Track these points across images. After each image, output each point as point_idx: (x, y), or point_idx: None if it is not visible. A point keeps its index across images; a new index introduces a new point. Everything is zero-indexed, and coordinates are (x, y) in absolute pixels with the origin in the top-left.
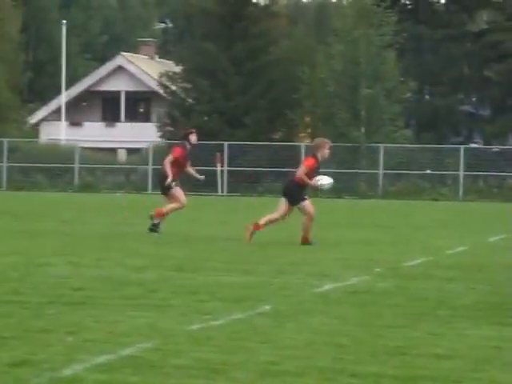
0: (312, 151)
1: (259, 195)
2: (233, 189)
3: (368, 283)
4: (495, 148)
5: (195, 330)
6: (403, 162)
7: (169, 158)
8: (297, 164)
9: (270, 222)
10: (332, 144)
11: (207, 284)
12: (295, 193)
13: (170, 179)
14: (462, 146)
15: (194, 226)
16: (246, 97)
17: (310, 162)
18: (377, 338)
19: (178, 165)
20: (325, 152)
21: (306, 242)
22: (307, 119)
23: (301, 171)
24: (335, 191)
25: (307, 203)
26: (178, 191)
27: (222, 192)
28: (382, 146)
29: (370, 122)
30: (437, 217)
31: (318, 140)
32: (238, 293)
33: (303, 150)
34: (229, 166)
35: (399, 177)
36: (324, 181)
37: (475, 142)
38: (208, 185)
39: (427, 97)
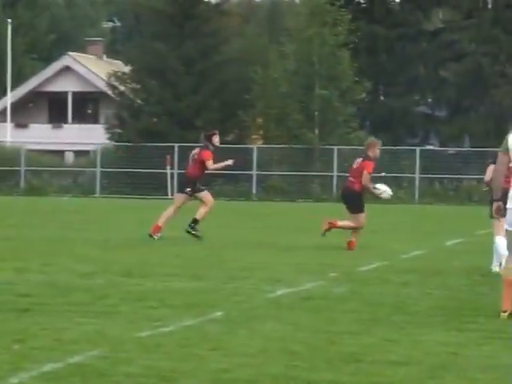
0: (365, 153)
1: None
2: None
3: (322, 288)
4: (451, 150)
5: (145, 337)
6: None
7: (208, 163)
8: (249, 167)
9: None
10: (286, 146)
11: (157, 290)
12: (357, 201)
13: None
14: (418, 148)
15: (143, 229)
16: (196, 97)
17: (371, 165)
18: (331, 344)
19: (204, 167)
20: (376, 152)
21: (352, 247)
22: (259, 120)
23: (366, 179)
24: (288, 194)
25: (364, 216)
26: (205, 193)
27: (172, 195)
28: (335, 148)
29: (324, 124)
30: (392, 220)
31: (369, 140)
32: (189, 299)
33: (255, 152)
34: (179, 169)
35: None
36: (385, 194)
37: (431, 144)
38: (158, 188)
39: (382, 97)
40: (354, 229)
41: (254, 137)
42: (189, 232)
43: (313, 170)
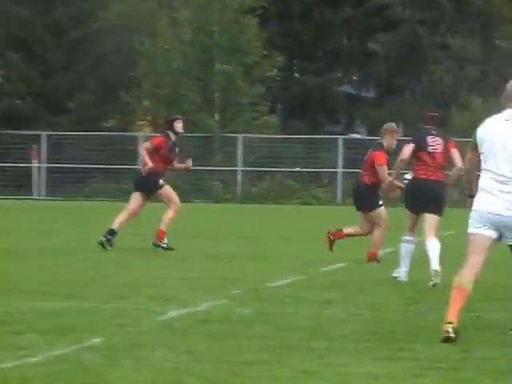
0: (378, 142)
1: (86, 198)
2: (52, 191)
3: (224, 309)
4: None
5: (7, 368)
6: (267, 156)
7: (145, 145)
8: (133, 160)
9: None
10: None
11: (22, 311)
12: (369, 194)
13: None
14: (341, 137)
15: (3, 238)
16: (69, 75)
17: (382, 156)
18: (234, 377)
19: (162, 159)
20: (393, 142)
21: (374, 258)
22: (147, 103)
23: (382, 172)
24: (182, 193)
25: (383, 210)
26: (168, 190)
27: (39, 195)
28: (240, 136)
29: (226, 107)
30: (310, 225)
31: (386, 126)
32: (62, 322)
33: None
34: (48, 163)
35: (262, 175)
36: None
37: (357, 132)
38: (21, 186)
39: (297, 75)
40: (361, 235)
41: (139, 123)
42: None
43: (212, 164)
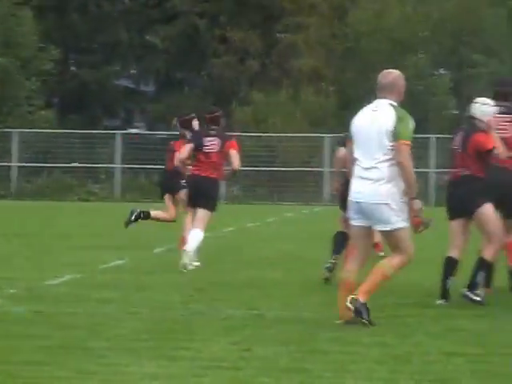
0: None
1: None
2: None
3: None
4: (162, 134)
5: None
6: (44, 152)
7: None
8: None
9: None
10: None
11: None
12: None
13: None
14: (119, 132)
15: None
16: None
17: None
18: (10, 378)
19: None
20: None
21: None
22: None
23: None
24: None
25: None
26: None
27: None
28: (15, 131)
29: (3, 101)
30: (87, 222)
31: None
32: None
33: None
34: None
35: (38, 171)
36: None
37: (136, 127)
38: None
39: (73, 68)
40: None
41: None
42: None
43: None
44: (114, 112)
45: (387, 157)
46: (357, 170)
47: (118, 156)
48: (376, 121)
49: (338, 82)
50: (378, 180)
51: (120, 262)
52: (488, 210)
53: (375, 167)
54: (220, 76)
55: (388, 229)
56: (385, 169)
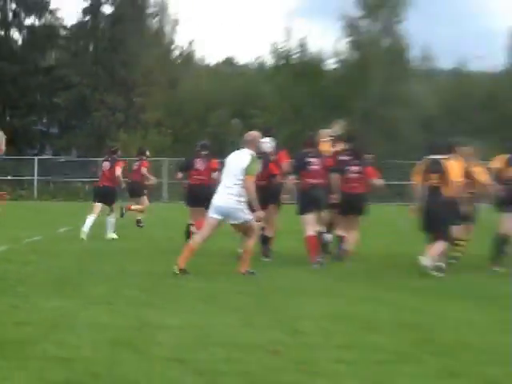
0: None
1: None
2: None
3: None
4: (62, 158)
5: None
6: None
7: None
8: None
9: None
10: None
11: None
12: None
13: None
14: (36, 157)
15: None
16: None
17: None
18: None
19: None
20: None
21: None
22: None
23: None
24: None
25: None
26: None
27: None
28: None
29: None
30: (17, 213)
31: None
32: None
33: None
34: None
35: None
36: None
37: (47, 154)
38: None
39: (8, 118)
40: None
41: None
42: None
43: None
44: (34, 145)
45: (240, 182)
46: (222, 188)
47: (35, 171)
48: (237, 159)
49: (173, 128)
50: (235, 194)
51: (38, 237)
52: None
53: (233, 186)
54: (99, 123)
55: (241, 221)
56: (238, 188)
